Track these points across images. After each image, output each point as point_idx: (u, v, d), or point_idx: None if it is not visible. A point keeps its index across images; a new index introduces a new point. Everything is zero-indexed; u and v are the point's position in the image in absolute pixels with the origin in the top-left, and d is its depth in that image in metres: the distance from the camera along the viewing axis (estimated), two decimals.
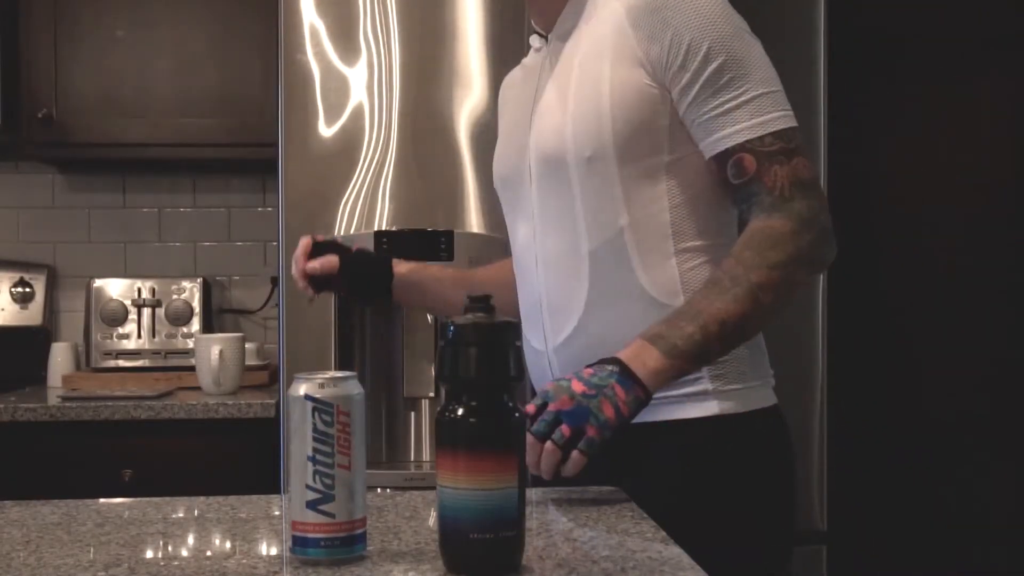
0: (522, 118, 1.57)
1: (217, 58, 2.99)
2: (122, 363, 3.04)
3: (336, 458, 1.05)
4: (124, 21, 2.99)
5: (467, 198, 2.44)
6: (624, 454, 1.37)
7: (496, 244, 2.32)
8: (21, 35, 2.96)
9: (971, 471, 3.06)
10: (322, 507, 1.05)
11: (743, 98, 1.39)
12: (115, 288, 3.08)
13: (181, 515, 1.33)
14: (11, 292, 3.21)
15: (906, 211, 3.07)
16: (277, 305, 2.56)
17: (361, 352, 2.48)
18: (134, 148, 3.02)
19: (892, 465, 3.06)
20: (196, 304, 3.09)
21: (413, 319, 2.44)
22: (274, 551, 1.15)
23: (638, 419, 1.33)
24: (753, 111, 1.39)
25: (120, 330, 3.05)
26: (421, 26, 2.44)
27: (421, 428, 2.51)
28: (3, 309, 3.21)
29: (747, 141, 1.39)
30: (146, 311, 3.07)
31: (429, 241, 2.40)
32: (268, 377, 3.03)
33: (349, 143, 2.43)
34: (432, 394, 2.44)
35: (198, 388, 2.87)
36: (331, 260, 1.67)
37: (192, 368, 2.91)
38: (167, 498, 1.39)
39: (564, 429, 1.26)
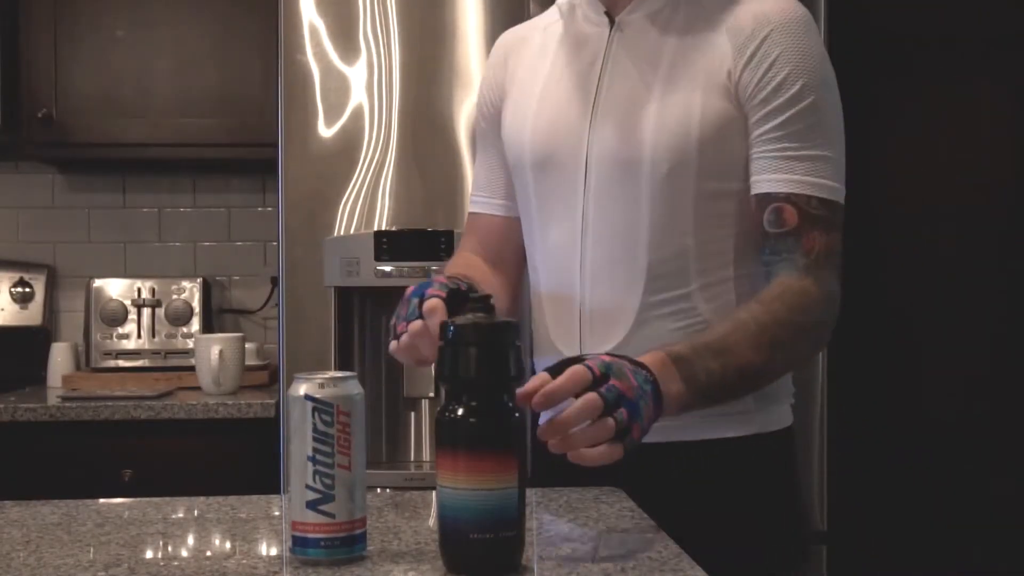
0: (575, 100, 1.46)
1: (217, 58, 2.99)
2: (122, 363, 3.04)
3: (336, 458, 1.05)
4: (124, 21, 2.99)
5: (467, 198, 2.43)
6: (656, 470, 1.37)
7: None
8: (21, 35, 2.96)
9: (971, 471, 3.06)
10: (322, 507, 1.05)
11: (808, 152, 1.36)
12: (115, 288, 3.08)
13: (181, 515, 1.32)
14: (11, 292, 3.21)
15: (906, 211, 3.07)
16: (277, 305, 2.56)
17: (361, 352, 2.48)
18: (134, 148, 3.02)
19: (892, 465, 3.06)
20: (196, 304, 3.09)
21: None
22: (274, 551, 1.15)
23: (671, 437, 1.32)
24: (812, 169, 1.36)
25: (120, 330, 3.05)
26: (421, 26, 2.44)
27: (421, 428, 2.51)
28: (3, 309, 3.20)
29: (794, 194, 1.35)
30: (146, 311, 3.06)
31: (429, 241, 2.40)
32: (268, 377, 3.03)
33: (349, 143, 2.43)
34: (432, 394, 2.44)
35: (198, 388, 2.87)
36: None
37: (192, 368, 2.91)
38: (167, 498, 1.39)
39: (624, 414, 1.11)
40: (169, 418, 2.67)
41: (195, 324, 3.07)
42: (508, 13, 2.43)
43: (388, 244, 2.38)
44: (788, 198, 1.35)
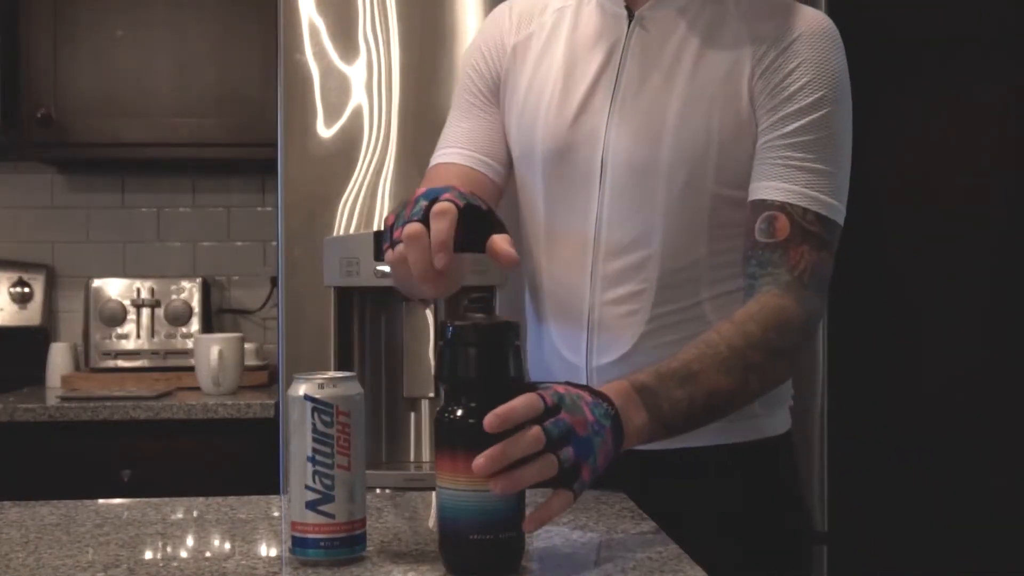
0: (592, 95, 1.42)
1: (217, 58, 2.99)
2: (121, 363, 3.04)
3: (336, 458, 1.05)
4: (124, 21, 2.99)
5: None
6: (662, 475, 1.37)
7: None
8: (21, 35, 2.96)
9: (971, 471, 3.06)
10: (322, 507, 1.05)
11: (812, 165, 1.33)
12: (114, 288, 3.08)
13: (180, 516, 1.32)
14: (10, 292, 3.21)
15: (906, 211, 3.07)
16: (276, 305, 2.56)
17: (361, 352, 2.48)
18: (134, 148, 3.02)
19: (892, 465, 3.06)
20: (195, 304, 3.09)
21: (413, 319, 2.44)
22: (273, 552, 1.15)
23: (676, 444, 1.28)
24: (813, 182, 1.33)
25: (119, 330, 3.05)
26: (421, 26, 2.43)
27: (421, 428, 2.50)
28: (2, 309, 3.20)
29: (790, 204, 1.32)
30: (145, 311, 3.06)
31: None
32: (267, 377, 3.03)
33: (349, 143, 2.42)
34: (432, 394, 2.44)
35: (197, 388, 2.87)
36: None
37: (191, 368, 2.91)
38: (166, 499, 1.39)
39: (571, 452, 1.04)
40: (168, 418, 2.67)
41: (194, 324, 3.07)
42: None
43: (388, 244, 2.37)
44: (783, 207, 1.32)
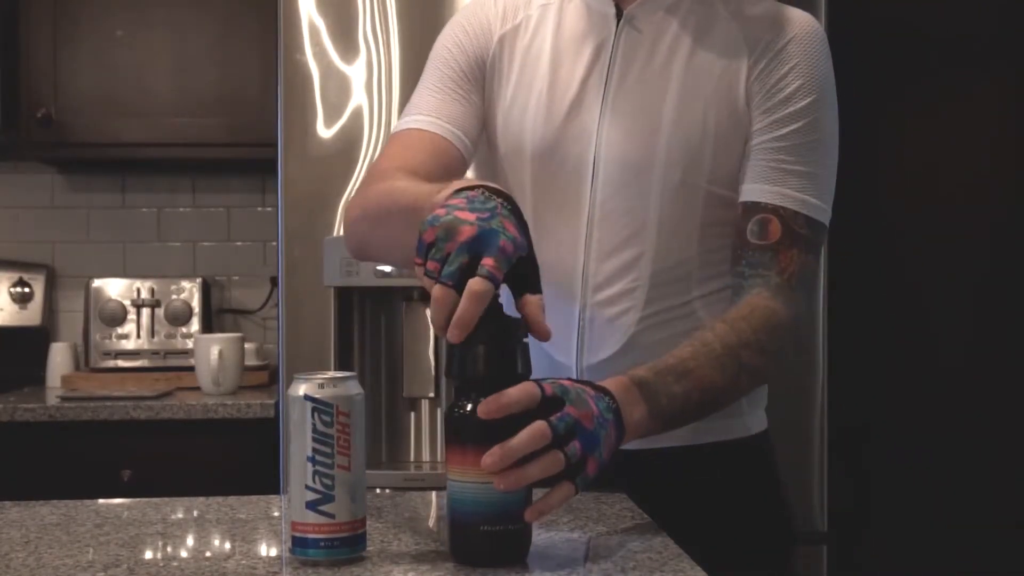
0: (582, 93, 1.41)
1: (217, 58, 2.99)
2: (121, 363, 3.04)
3: (336, 458, 1.05)
4: (124, 21, 2.99)
5: None
6: (654, 474, 1.37)
7: None
8: (21, 35, 2.96)
9: (971, 471, 3.06)
10: (322, 507, 1.05)
11: (803, 168, 1.35)
12: (114, 288, 3.08)
13: (180, 516, 1.32)
14: (10, 292, 3.21)
15: (906, 210, 3.07)
16: (276, 305, 2.56)
17: (361, 352, 2.48)
18: (133, 148, 3.02)
19: (892, 465, 3.06)
20: (195, 304, 3.09)
21: (413, 319, 2.44)
22: (274, 552, 1.15)
23: (670, 442, 1.30)
24: (805, 186, 1.35)
25: (119, 330, 3.05)
26: (421, 26, 2.43)
27: (421, 428, 2.51)
28: (2, 309, 3.20)
29: (783, 208, 1.34)
30: (145, 311, 3.06)
31: None
32: (268, 377, 3.03)
33: (349, 143, 2.42)
34: (432, 394, 2.44)
35: (197, 388, 2.87)
36: None
37: (191, 368, 2.91)
38: (166, 498, 1.39)
39: (578, 447, 1.05)
40: (168, 418, 2.67)
41: (194, 324, 3.07)
42: None
43: None
44: (776, 211, 1.34)
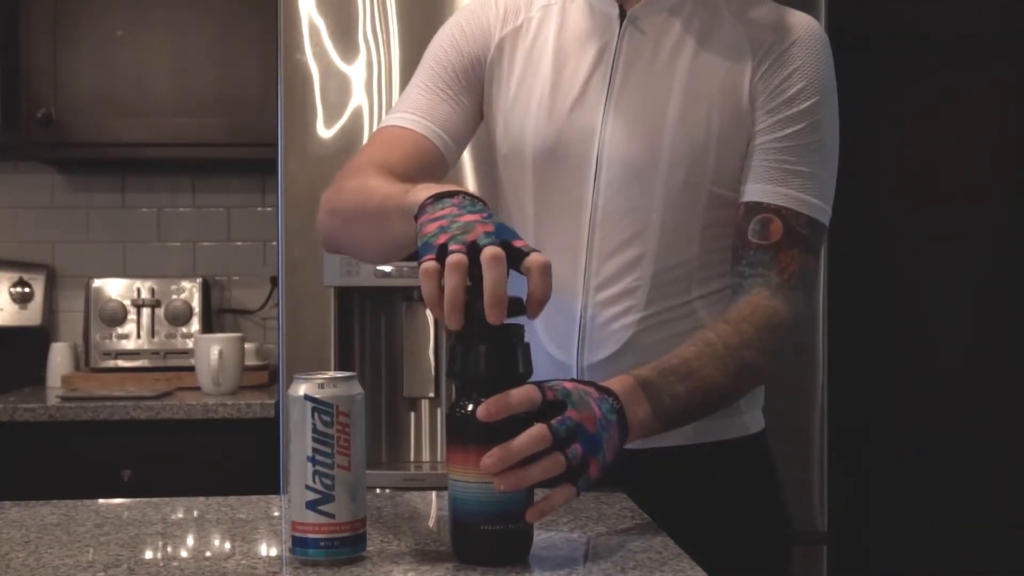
0: (585, 93, 1.41)
1: (217, 58, 2.99)
2: (121, 363, 3.04)
3: (336, 458, 1.05)
4: (124, 21, 2.99)
5: None
6: (652, 474, 1.37)
7: None
8: (21, 35, 2.96)
9: (971, 471, 3.06)
10: (322, 507, 1.05)
11: (805, 168, 1.36)
12: (114, 288, 3.08)
13: (180, 516, 1.32)
14: (10, 292, 3.21)
15: (906, 210, 3.07)
16: (276, 305, 2.56)
17: (361, 352, 2.48)
18: (133, 148, 3.02)
19: (892, 465, 3.06)
20: (195, 304, 3.09)
21: (413, 319, 2.44)
22: (274, 552, 1.15)
23: (669, 442, 1.31)
24: (807, 186, 1.36)
25: (119, 330, 3.05)
26: (421, 26, 2.43)
27: (421, 428, 2.51)
28: (2, 309, 3.20)
29: (784, 208, 1.35)
30: (145, 311, 3.06)
31: None
32: (268, 377, 3.03)
33: (349, 143, 2.42)
34: (432, 394, 2.44)
35: (197, 388, 2.87)
36: None
37: (191, 368, 2.91)
38: (166, 498, 1.39)
39: (579, 450, 1.05)
40: (168, 418, 2.67)
41: (195, 324, 3.07)
42: None
43: None
44: (778, 211, 1.35)
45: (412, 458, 2.51)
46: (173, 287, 3.09)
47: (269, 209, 3.29)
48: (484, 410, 1.02)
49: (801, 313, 1.36)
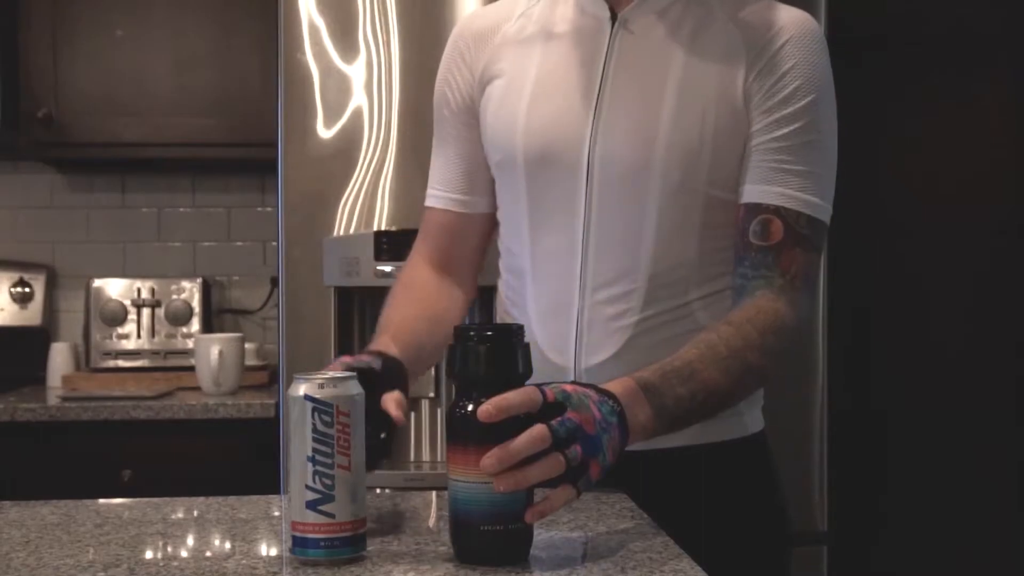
0: (574, 97, 1.40)
1: (217, 58, 2.99)
2: (121, 363, 3.04)
3: (336, 458, 1.05)
4: (124, 21, 2.99)
5: None
6: (652, 475, 1.37)
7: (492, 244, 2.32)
8: (21, 35, 2.96)
9: (971, 471, 3.06)
10: (322, 507, 1.05)
11: (804, 167, 1.35)
12: (114, 288, 3.08)
13: (181, 515, 1.32)
14: (10, 292, 3.21)
15: (906, 211, 3.07)
16: (277, 305, 2.56)
17: (361, 352, 2.47)
18: (133, 148, 3.02)
19: (892, 465, 3.06)
20: (196, 304, 3.09)
21: None
22: (274, 551, 1.15)
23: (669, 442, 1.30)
24: (805, 185, 1.35)
25: (119, 330, 3.05)
26: (421, 26, 2.43)
27: (421, 428, 2.51)
28: (2, 309, 3.20)
29: (784, 208, 1.34)
30: (145, 311, 3.06)
31: None
32: (268, 377, 3.03)
33: (349, 143, 2.42)
34: (432, 394, 2.44)
35: (198, 388, 2.87)
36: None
37: (192, 368, 2.91)
38: (167, 498, 1.39)
39: (579, 451, 1.06)
40: (169, 418, 2.67)
41: (195, 324, 3.07)
42: None
43: (388, 244, 2.38)
44: (778, 211, 1.35)
45: (412, 458, 2.51)
46: (173, 287, 3.09)
47: (269, 209, 3.29)
48: (484, 411, 1.02)
49: (804, 314, 1.36)
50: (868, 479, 3.04)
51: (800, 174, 1.35)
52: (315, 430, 1.05)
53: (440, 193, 1.55)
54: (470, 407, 1.05)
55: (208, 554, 1.16)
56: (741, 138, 1.37)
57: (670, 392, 1.20)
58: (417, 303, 1.50)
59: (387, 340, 1.38)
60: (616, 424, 1.11)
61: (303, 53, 2.43)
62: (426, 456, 2.50)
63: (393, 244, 2.37)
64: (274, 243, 2.94)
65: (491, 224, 1.55)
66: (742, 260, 1.36)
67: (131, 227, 3.33)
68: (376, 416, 1.16)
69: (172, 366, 3.04)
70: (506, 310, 1.52)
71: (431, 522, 1.28)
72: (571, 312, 1.41)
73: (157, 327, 3.06)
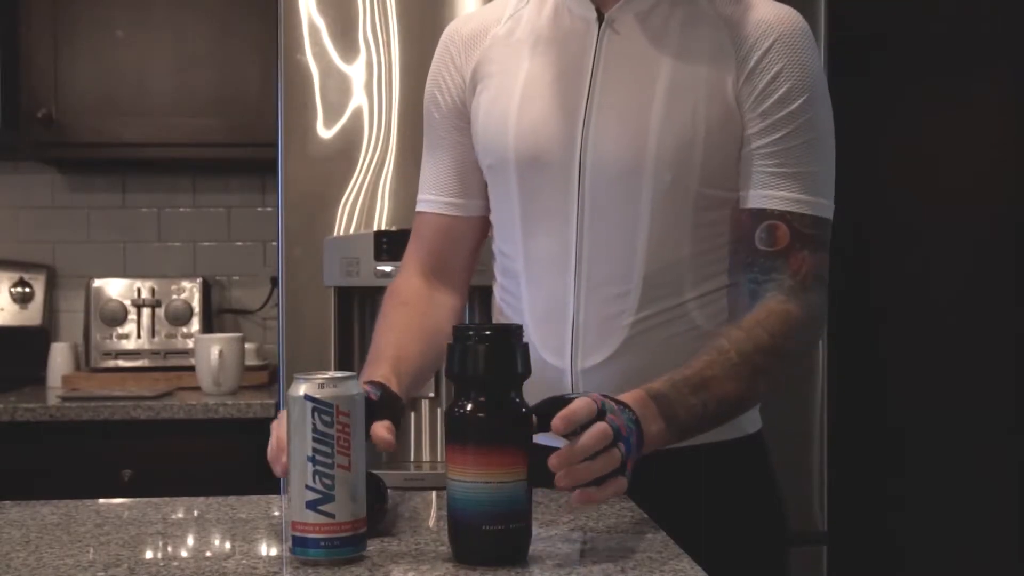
0: (564, 98, 1.40)
1: (217, 58, 2.99)
2: (122, 363, 3.04)
3: (336, 458, 1.05)
4: (124, 21, 2.99)
5: None
6: (654, 476, 1.38)
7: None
8: (21, 35, 2.96)
9: (971, 471, 3.06)
10: (322, 507, 1.05)
11: (804, 169, 1.35)
12: (115, 288, 3.08)
13: (181, 515, 1.32)
14: (11, 292, 3.21)
15: (907, 211, 3.07)
16: (277, 305, 2.56)
17: (361, 352, 2.48)
18: (133, 148, 3.02)
19: (892, 465, 3.06)
20: (196, 304, 3.09)
21: None
22: (274, 551, 1.15)
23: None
24: (807, 187, 1.35)
25: (120, 330, 3.05)
26: (421, 26, 2.44)
27: (421, 428, 2.51)
28: (3, 309, 3.20)
29: (788, 212, 1.35)
30: (146, 311, 3.06)
31: None
32: (268, 377, 3.03)
33: (349, 143, 2.42)
34: (432, 394, 2.44)
35: (198, 388, 2.87)
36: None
37: (192, 368, 2.91)
38: (167, 498, 1.39)
39: (623, 448, 1.11)
40: (169, 418, 2.67)
41: (195, 324, 3.07)
42: None
43: (388, 244, 2.38)
44: (783, 216, 1.35)
45: (412, 458, 2.51)
46: (173, 287, 3.09)
47: (269, 209, 3.29)
48: (557, 426, 1.06)
49: (817, 312, 1.37)
50: (868, 479, 3.04)
51: (801, 176, 1.36)
52: (315, 430, 1.05)
53: (433, 197, 1.54)
54: (469, 407, 1.05)
55: (208, 554, 1.16)
56: (733, 136, 1.37)
57: (681, 402, 1.23)
58: (413, 320, 1.50)
59: (388, 372, 1.37)
60: (635, 431, 1.15)
61: (303, 53, 2.43)
62: (426, 456, 2.50)
63: (393, 244, 2.38)
64: (274, 243, 2.94)
65: (485, 226, 1.55)
66: (751, 266, 1.36)
67: (131, 227, 3.33)
68: (373, 486, 1.16)
69: (172, 366, 3.04)
70: (502, 313, 1.51)
71: (431, 522, 1.28)
72: (567, 314, 1.41)
73: (157, 327, 3.06)
